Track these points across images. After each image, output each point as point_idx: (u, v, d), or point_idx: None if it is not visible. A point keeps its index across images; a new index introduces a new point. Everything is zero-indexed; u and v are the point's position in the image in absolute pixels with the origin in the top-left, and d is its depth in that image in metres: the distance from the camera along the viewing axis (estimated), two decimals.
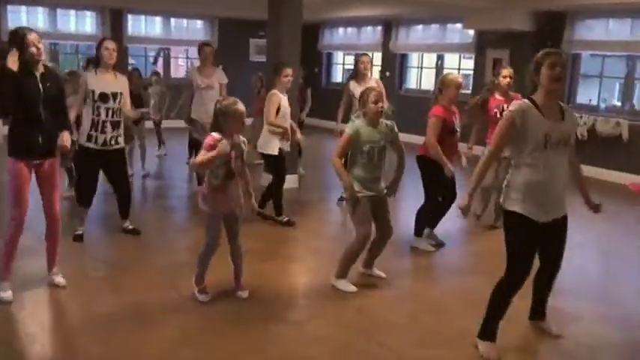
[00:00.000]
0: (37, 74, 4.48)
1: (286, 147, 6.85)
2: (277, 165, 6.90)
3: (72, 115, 5.75)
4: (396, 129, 5.08)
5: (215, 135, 4.46)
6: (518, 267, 3.91)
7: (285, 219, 6.85)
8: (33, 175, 4.62)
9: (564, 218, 4.04)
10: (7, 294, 4.57)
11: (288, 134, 6.70)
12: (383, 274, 5.36)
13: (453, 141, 5.89)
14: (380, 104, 4.92)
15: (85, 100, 5.80)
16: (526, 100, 3.85)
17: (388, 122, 5.08)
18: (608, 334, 4.47)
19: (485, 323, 4.06)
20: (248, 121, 4.90)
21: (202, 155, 4.42)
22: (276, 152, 6.72)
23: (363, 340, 4.20)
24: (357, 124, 4.97)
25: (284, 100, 6.70)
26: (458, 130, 5.91)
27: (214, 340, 4.10)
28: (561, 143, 3.83)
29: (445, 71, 12.22)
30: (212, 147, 4.42)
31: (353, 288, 5.04)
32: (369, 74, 7.59)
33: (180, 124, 8.72)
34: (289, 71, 6.72)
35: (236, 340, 4.11)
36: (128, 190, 6.35)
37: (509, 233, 3.96)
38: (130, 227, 6.37)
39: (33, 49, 4.38)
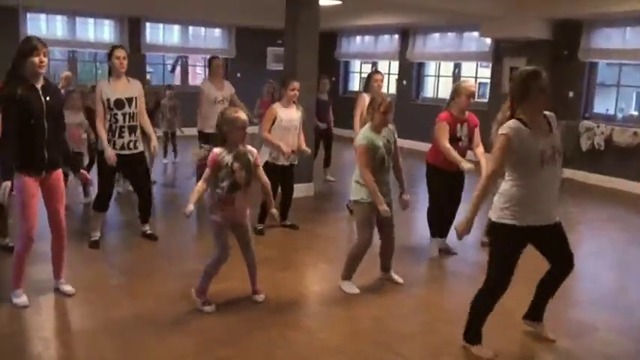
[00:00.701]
0: (39, 87, 4.45)
1: (284, 161, 6.74)
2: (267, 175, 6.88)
3: (99, 125, 5.84)
4: (395, 132, 5.19)
5: (216, 150, 4.50)
6: (501, 277, 3.95)
7: (260, 227, 6.77)
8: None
9: (557, 225, 4.02)
10: (22, 299, 4.61)
11: (280, 150, 6.56)
12: (400, 280, 5.41)
13: (455, 148, 5.86)
14: (389, 116, 5.01)
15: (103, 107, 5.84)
16: (515, 121, 3.80)
17: (390, 126, 5.16)
18: (623, 344, 4.43)
19: (470, 329, 4.14)
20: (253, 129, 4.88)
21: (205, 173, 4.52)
22: (262, 162, 6.69)
23: (378, 349, 4.18)
24: (367, 133, 5.02)
25: (282, 112, 6.65)
26: (462, 139, 5.93)
27: (228, 348, 4.10)
28: (554, 156, 3.84)
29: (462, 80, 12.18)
30: (215, 162, 4.46)
31: (356, 290, 5.18)
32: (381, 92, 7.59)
33: (193, 131, 8.75)
34: (296, 85, 6.73)
35: (251, 348, 4.12)
36: (150, 195, 6.41)
37: (496, 245, 3.99)
38: (149, 232, 6.44)
39: (36, 60, 4.34)
